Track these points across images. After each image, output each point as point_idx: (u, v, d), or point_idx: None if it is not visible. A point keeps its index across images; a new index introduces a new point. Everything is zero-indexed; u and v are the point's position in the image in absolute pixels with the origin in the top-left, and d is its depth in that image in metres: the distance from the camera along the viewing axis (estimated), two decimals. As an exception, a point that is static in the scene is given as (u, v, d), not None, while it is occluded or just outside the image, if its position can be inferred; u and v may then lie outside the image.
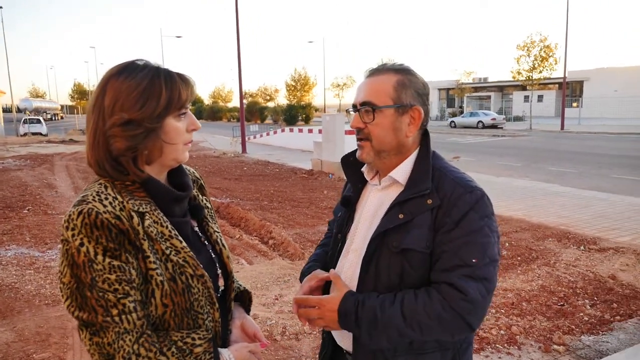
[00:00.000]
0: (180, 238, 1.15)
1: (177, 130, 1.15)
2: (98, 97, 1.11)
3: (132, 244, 1.07)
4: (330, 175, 11.68)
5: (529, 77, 31.96)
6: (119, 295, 1.03)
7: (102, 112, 1.09)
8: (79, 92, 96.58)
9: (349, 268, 1.34)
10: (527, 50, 31.52)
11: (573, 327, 3.78)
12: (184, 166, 1.29)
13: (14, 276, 4.97)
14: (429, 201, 1.22)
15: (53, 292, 4.55)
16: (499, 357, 3.34)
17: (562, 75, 31.09)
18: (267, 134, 24.40)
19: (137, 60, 1.14)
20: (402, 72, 1.30)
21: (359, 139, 1.32)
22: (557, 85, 46.82)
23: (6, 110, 53.05)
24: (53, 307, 4.25)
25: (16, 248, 6.02)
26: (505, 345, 3.50)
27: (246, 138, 20.20)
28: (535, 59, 31.37)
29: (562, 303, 4.22)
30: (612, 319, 3.92)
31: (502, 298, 4.31)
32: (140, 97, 1.09)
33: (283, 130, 23.13)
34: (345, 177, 1.47)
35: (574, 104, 42.86)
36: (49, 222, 7.44)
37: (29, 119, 34.67)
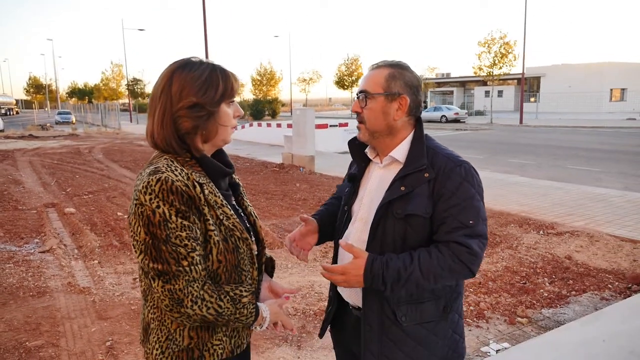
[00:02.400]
0: (229, 207, 1.37)
1: (228, 115, 1.38)
2: (165, 85, 1.32)
3: (197, 208, 1.28)
4: (301, 168, 11.88)
5: (489, 72, 33.06)
6: (189, 250, 1.25)
7: (170, 98, 1.31)
8: (35, 86, 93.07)
9: (355, 234, 1.58)
10: (488, 46, 32.59)
11: (534, 302, 4.14)
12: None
13: (-6, 270, 4.97)
14: (426, 175, 1.47)
15: (37, 284, 4.61)
16: (469, 330, 3.65)
17: (521, 71, 32.25)
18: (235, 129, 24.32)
19: (192, 57, 1.37)
20: (395, 67, 1.55)
21: (358, 122, 1.58)
22: (516, 81, 48.45)
23: (-43, 105, 50.68)
24: (39, 298, 4.31)
25: (-9, 243, 5.97)
26: (475, 319, 3.82)
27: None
28: (496, 55, 32.48)
29: (524, 281, 4.59)
30: (568, 294, 4.31)
31: (470, 278, 4.64)
32: (203, 85, 1.31)
33: (251, 125, 23.13)
34: (348, 162, 1.72)
35: (532, 99, 44.45)
36: (21, 217, 7.37)
37: (-17, 114, 33.32)
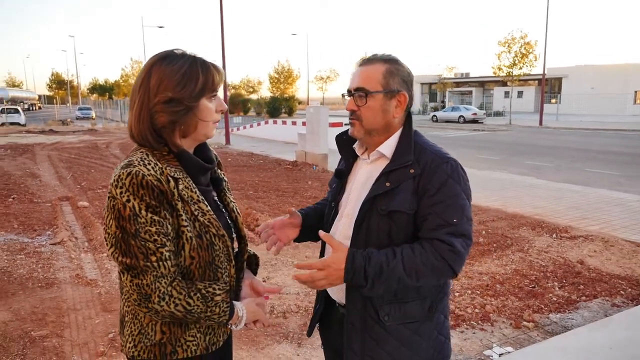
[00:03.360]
0: (206, 203, 1.35)
1: (209, 109, 1.35)
2: (144, 79, 1.30)
3: (169, 203, 1.26)
4: (314, 166, 11.87)
5: (509, 73, 32.56)
6: (158, 245, 1.23)
7: (148, 92, 1.29)
8: (57, 82, 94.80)
9: (342, 230, 1.54)
10: (508, 46, 32.09)
11: (542, 306, 4.06)
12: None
13: (5, 261, 5.06)
14: (412, 170, 1.43)
15: (46, 276, 4.67)
16: (473, 333, 3.59)
17: (542, 72, 31.71)
18: (251, 126, 24.43)
19: (175, 49, 1.34)
20: (390, 62, 1.50)
21: (350, 119, 1.53)
22: (536, 82, 47.73)
23: (-18, 100, 51.87)
24: (47, 289, 4.37)
25: (5, 234, 6.09)
26: (479, 322, 3.76)
27: (229, 130, 20.24)
28: (516, 56, 31.97)
29: (533, 285, 4.50)
30: (578, 299, 4.21)
31: (477, 280, 4.57)
32: (182, 79, 1.28)
33: (267, 123, 23.19)
34: (339, 153, 1.68)
35: (553, 100, 43.75)
36: (36, 209, 7.49)
37: (6, 108, 33.98)
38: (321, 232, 1.45)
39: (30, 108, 69.63)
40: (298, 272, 1.47)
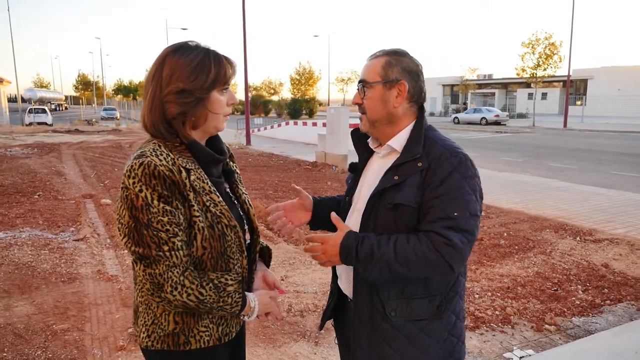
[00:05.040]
0: (218, 194, 1.35)
1: (220, 102, 1.35)
2: (157, 69, 1.31)
3: (181, 193, 1.26)
4: (333, 167, 11.86)
5: (533, 74, 32.01)
6: (170, 235, 1.23)
7: (160, 82, 1.29)
8: (83, 83, 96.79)
9: (353, 225, 1.53)
10: (532, 47, 31.56)
11: (565, 309, 3.97)
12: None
13: (30, 255, 5.18)
14: (419, 164, 1.41)
15: (68, 271, 4.76)
16: (493, 335, 3.53)
17: (567, 73, 31.13)
18: (272, 127, 24.57)
19: (189, 41, 1.35)
20: (391, 54, 1.51)
21: (359, 113, 1.55)
22: (561, 83, 46.86)
23: (11, 100, 53.30)
24: (69, 284, 4.45)
25: (30, 230, 6.23)
26: (500, 324, 3.69)
27: (250, 131, 20.38)
28: (540, 57, 31.41)
29: (555, 288, 4.41)
30: (602, 303, 4.11)
31: (498, 282, 4.50)
32: (194, 71, 1.29)
33: (287, 124, 23.27)
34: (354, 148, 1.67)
35: (578, 102, 42.91)
36: (60, 207, 7.65)
37: (34, 108, 34.90)
38: (333, 214, 1.47)
39: (57, 108, 71.34)
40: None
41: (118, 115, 44.39)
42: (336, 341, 1.82)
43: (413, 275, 1.38)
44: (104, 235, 6.08)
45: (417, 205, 1.40)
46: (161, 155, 1.26)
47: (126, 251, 5.34)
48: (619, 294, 4.28)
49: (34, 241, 5.71)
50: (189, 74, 1.28)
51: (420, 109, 1.55)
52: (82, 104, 58.79)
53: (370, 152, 1.62)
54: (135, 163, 1.24)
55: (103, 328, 3.61)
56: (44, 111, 34.59)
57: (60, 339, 3.43)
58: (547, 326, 3.65)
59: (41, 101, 60.35)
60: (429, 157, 1.42)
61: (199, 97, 1.30)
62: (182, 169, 1.28)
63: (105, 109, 47.02)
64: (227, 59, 1.36)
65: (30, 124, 31.96)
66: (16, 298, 4.10)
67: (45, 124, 32.10)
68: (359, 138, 1.63)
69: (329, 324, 1.81)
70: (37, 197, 8.38)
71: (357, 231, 1.47)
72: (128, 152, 15.66)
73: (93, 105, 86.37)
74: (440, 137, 1.50)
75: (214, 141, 1.45)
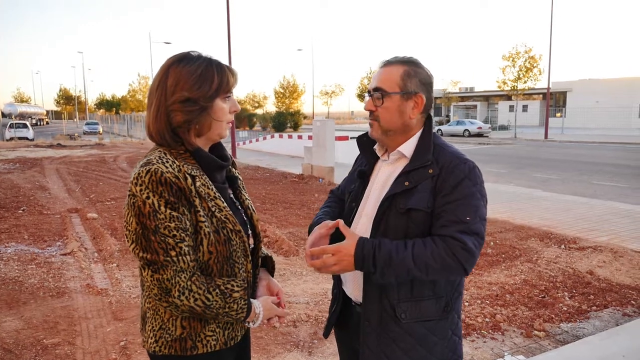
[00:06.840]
0: (222, 199, 1.38)
1: (223, 110, 1.39)
2: (161, 79, 1.35)
3: (187, 199, 1.30)
4: (320, 179, 11.90)
5: (514, 87, 32.68)
6: (177, 240, 1.26)
7: (165, 91, 1.33)
8: (65, 97, 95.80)
9: (361, 229, 1.57)
10: (512, 60, 32.26)
11: (553, 315, 4.04)
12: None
13: (17, 270, 5.10)
14: (430, 170, 1.46)
15: (57, 285, 4.70)
16: (484, 342, 3.58)
17: (546, 86, 31.80)
18: (257, 140, 24.57)
19: (191, 51, 1.39)
20: (409, 64, 1.54)
21: (369, 120, 1.57)
22: (541, 96, 47.79)
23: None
24: (58, 298, 4.40)
25: (15, 245, 6.13)
26: (490, 331, 3.75)
27: (236, 144, 20.37)
28: (520, 70, 32.12)
29: (543, 295, 4.49)
30: (589, 309, 4.19)
31: (487, 290, 4.56)
32: (198, 80, 1.33)
33: (273, 137, 23.32)
34: (358, 156, 1.72)
35: (558, 114, 43.72)
36: (46, 221, 7.55)
37: (15, 123, 34.37)
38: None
39: (38, 123, 70.28)
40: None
41: (101, 130, 43.93)
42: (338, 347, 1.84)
43: (429, 278, 1.42)
44: (91, 249, 6.01)
45: (429, 210, 1.44)
46: (167, 162, 1.30)
47: (115, 265, 5.31)
48: (605, 300, 4.38)
49: (20, 256, 5.63)
50: (193, 83, 1.32)
51: (428, 117, 1.60)
52: (64, 119, 58.16)
53: (376, 158, 1.65)
54: (142, 170, 1.27)
55: (94, 342, 3.58)
56: (25, 126, 34.09)
57: (51, 353, 3.38)
58: (536, 332, 3.72)
59: (22, 116, 59.49)
60: (438, 163, 1.47)
61: (203, 106, 1.34)
62: (187, 175, 1.31)
63: (87, 124, 46.48)
64: (229, 68, 1.40)
65: (11, 139, 31.42)
66: (4, 313, 4.04)
67: (27, 138, 31.61)
68: (365, 143, 1.66)
69: (321, 332, 1.83)
70: (21, 212, 8.25)
71: (367, 236, 1.50)
72: (112, 166, 15.51)
73: (75, 119, 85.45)
74: (446, 144, 1.56)
75: (217, 148, 1.49)
